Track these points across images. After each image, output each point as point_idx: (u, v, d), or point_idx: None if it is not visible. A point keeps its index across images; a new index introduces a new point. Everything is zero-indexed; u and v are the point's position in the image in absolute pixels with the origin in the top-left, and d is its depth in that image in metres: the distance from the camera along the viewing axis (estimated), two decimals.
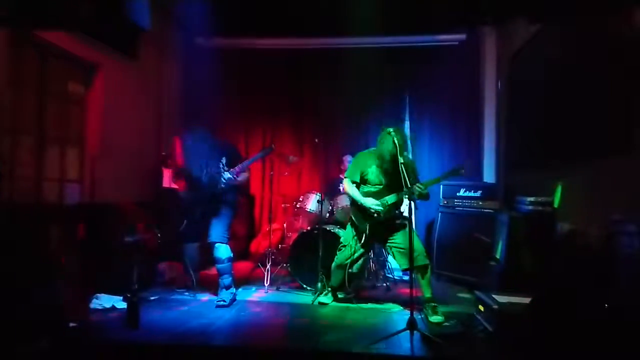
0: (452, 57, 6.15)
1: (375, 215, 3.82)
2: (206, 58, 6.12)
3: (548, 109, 4.32)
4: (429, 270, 3.76)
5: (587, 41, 3.65)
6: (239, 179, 4.07)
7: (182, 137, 4.22)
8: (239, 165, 4.08)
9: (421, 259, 3.68)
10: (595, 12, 3.08)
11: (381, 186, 3.89)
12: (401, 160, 3.51)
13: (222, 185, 4.00)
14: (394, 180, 3.75)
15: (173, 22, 5.83)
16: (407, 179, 3.41)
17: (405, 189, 3.48)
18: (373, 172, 3.91)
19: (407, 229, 3.74)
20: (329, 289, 4.25)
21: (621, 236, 2.85)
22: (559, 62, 4.11)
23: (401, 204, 4.00)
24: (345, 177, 4.07)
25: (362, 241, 3.91)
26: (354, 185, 3.98)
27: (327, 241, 4.42)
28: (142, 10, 2.33)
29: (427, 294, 3.73)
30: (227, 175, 4.01)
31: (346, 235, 4.10)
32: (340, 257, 4.04)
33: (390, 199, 3.80)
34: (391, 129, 3.72)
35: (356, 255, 3.98)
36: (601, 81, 3.44)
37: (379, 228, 3.89)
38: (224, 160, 4.10)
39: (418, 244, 3.73)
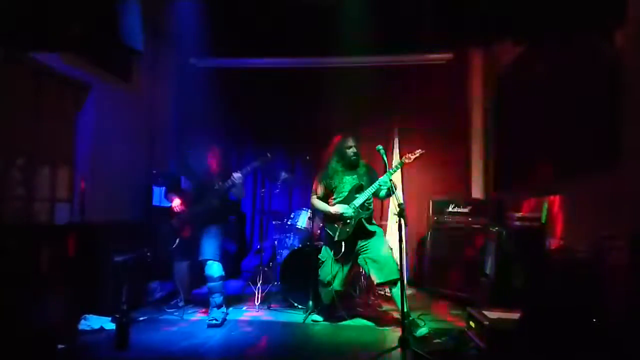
0: (441, 75, 6.26)
1: (348, 220, 3.87)
2: (198, 78, 6.18)
3: (535, 126, 4.41)
4: (399, 284, 3.68)
5: (572, 61, 3.75)
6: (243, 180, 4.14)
7: (177, 152, 4.27)
8: (247, 168, 4.18)
9: (393, 273, 3.71)
10: (578, 34, 3.18)
11: (346, 193, 3.99)
12: (363, 164, 4.03)
13: (233, 184, 4.07)
14: (356, 185, 3.98)
15: (166, 43, 5.88)
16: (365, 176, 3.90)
17: (369, 187, 3.84)
18: (336, 182, 4.05)
19: (379, 239, 3.91)
20: (322, 307, 4.22)
21: (610, 251, 2.89)
22: (544, 81, 4.21)
23: (369, 212, 4.00)
24: (312, 195, 4.22)
25: (339, 255, 3.93)
26: (319, 199, 4.15)
27: (318, 259, 4.41)
28: (135, 34, 2.37)
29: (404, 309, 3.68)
30: (237, 174, 4.07)
31: (323, 252, 4.13)
32: (322, 274, 4.06)
33: (357, 201, 3.89)
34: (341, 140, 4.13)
35: (335, 271, 3.97)
36: (586, 99, 3.52)
37: (352, 239, 3.91)
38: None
39: (389, 258, 3.81)
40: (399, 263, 3.75)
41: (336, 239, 3.91)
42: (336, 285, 4.01)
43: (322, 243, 4.72)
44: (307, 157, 5.84)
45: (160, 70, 6.12)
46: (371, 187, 3.86)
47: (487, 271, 4.19)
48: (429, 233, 5.37)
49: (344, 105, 6.11)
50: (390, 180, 3.68)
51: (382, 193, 3.89)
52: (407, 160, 3.83)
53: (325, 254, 4.08)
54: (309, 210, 5.06)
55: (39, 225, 4.20)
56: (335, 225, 3.94)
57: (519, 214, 4.09)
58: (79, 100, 4.75)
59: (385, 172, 3.77)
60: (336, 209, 3.95)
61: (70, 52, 4.13)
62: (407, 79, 6.35)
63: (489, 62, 5.96)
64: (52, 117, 4.45)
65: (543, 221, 4.02)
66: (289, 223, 5.18)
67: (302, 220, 5.08)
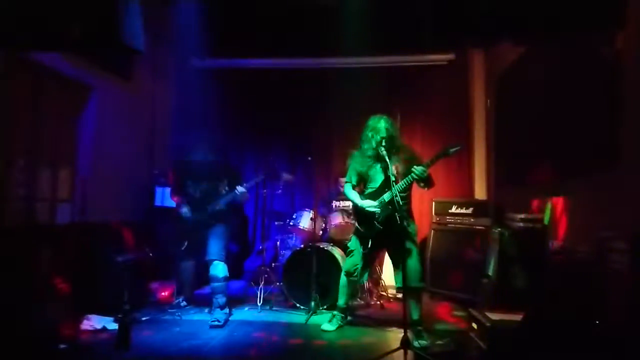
0: (442, 75, 6.27)
1: (376, 216, 3.65)
2: (199, 78, 6.19)
3: (536, 127, 4.40)
4: (420, 293, 3.67)
5: (572, 62, 3.75)
6: (247, 192, 4.20)
7: (184, 155, 4.30)
8: (251, 181, 4.27)
9: (414, 280, 3.55)
10: (579, 35, 3.18)
11: (380, 183, 3.72)
12: (383, 150, 3.52)
13: (236, 196, 4.11)
14: (387, 177, 3.55)
15: (167, 44, 5.90)
16: (390, 167, 3.38)
17: (393, 182, 3.36)
18: (370, 170, 3.78)
19: (410, 243, 3.61)
20: (339, 310, 4.02)
21: (611, 253, 2.88)
22: (545, 82, 4.21)
23: (405, 205, 3.56)
24: (345, 182, 3.97)
25: (366, 250, 3.76)
26: (353, 188, 3.89)
27: (321, 259, 4.41)
28: (136, 34, 2.37)
29: (414, 316, 3.60)
30: (241, 188, 4.09)
31: (352, 242, 3.94)
32: (348, 263, 3.90)
33: (387, 195, 3.58)
34: (370, 120, 3.80)
35: (361, 263, 3.82)
36: (587, 99, 3.52)
37: (382, 235, 3.69)
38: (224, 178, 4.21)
39: (416, 264, 3.59)
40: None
41: (364, 234, 3.76)
42: (364, 277, 3.92)
43: (324, 244, 4.73)
44: (309, 158, 5.85)
45: (162, 71, 6.13)
46: (403, 180, 3.52)
47: (489, 272, 4.18)
48: (431, 234, 5.36)
49: (345, 106, 6.11)
50: (423, 165, 3.47)
51: (421, 184, 3.62)
52: (447, 153, 3.47)
53: (354, 244, 3.89)
54: (311, 211, 5.06)
55: (40, 225, 4.21)
56: (364, 220, 3.75)
57: (521, 215, 4.07)
58: (80, 101, 4.77)
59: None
60: (363, 203, 3.70)
61: (71, 53, 4.14)
62: (408, 79, 6.35)
63: (490, 63, 5.95)
64: (53, 118, 4.47)
65: (545, 222, 4.01)
66: (291, 224, 5.18)
67: (304, 220, 5.07)
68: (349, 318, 4.12)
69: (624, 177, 3.03)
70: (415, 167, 3.50)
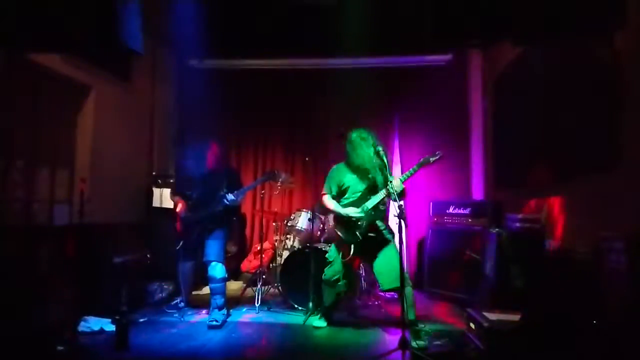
0: (440, 76, 6.27)
1: (358, 223, 3.71)
2: (198, 78, 6.19)
3: (534, 127, 4.41)
4: (412, 294, 3.65)
5: (571, 62, 3.75)
6: (239, 199, 4.19)
7: (183, 157, 4.29)
8: (244, 188, 4.26)
9: (406, 281, 3.53)
10: (578, 36, 3.19)
11: (360, 193, 3.80)
12: (381, 152, 3.54)
13: (225, 204, 4.09)
14: (370, 185, 3.75)
15: (165, 44, 5.89)
16: (387, 175, 3.43)
17: (383, 188, 3.52)
18: (349, 181, 3.85)
19: (391, 247, 3.72)
20: (323, 309, 4.13)
21: (609, 253, 2.89)
22: (543, 82, 4.22)
23: (383, 213, 3.85)
24: (323, 194, 4.02)
25: (347, 258, 3.80)
26: (333, 199, 3.94)
27: (319, 260, 4.40)
28: (135, 35, 2.37)
29: (410, 317, 3.57)
30: (231, 196, 4.08)
31: (332, 250, 4.01)
32: (328, 273, 3.96)
33: (370, 203, 3.68)
34: (355, 134, 3.80)
35: (342, 271, 3.89)
36: (586, 99, 3.53)
37: (363, 242, 3.74)
38: (224, 182, 4.19)
39: (396, 266, 3.51)
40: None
41: (346, 241, 3.79)
42: (342, 285, 3.94)
43: (322, 244, 4.73)
44: (307, 159, 5.86)
45: (160, 71, 6.12)
46: (383, 190, 3.63)
47: (487, 272, 4.19)
48: (429, 234, 5.37)
49: (344, 107, 6.11)
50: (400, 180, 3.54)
51: (394, 196, 3.65)
52: (427, 162, 3.57)
53: (334, 253, 3.96)
54: (309, 212, 5.05)
55: (38, 226, 4.20)
56: (346, 228, 3.80)
57: (519, 215, 4.08)
58: (78, 101, 4.76)
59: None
60: (347, 211, 3.77)
61: (70, 53, 4.13)
62: (407, 80, 6.35)
63: (488, 64, 5.96)
64: (52, 118, 4.46)
65: (543, 222, 4.02)
66: (288, 224, 5.18)
67: (302, 221, 5.07)
68: (327, 321, 4.12)
69: (622, 177, 3.04)
70: (391, 180, 3.47)
